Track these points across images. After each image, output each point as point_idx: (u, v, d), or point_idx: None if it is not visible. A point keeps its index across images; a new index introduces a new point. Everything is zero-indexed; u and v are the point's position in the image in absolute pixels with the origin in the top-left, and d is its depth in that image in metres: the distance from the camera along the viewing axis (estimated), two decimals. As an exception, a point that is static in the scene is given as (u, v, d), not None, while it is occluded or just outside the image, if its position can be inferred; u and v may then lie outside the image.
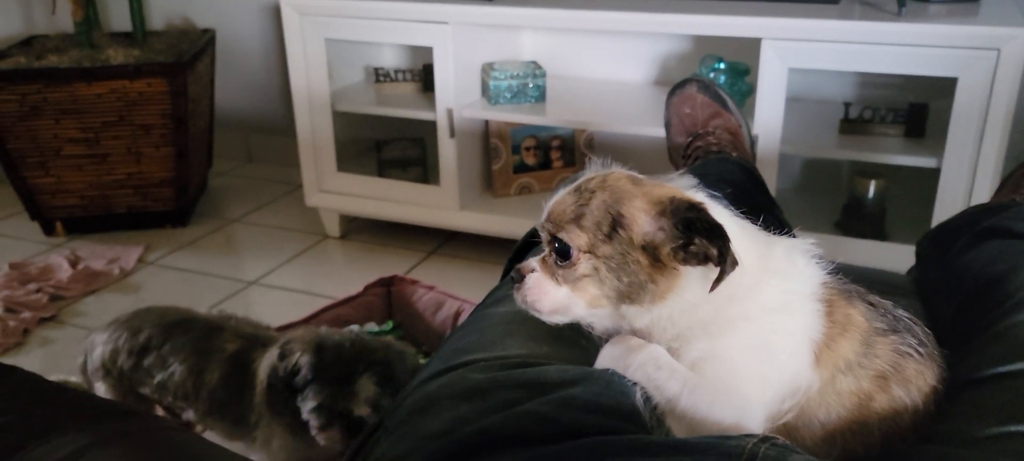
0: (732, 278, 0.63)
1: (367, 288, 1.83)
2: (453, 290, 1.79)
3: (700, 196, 0.69)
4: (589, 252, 0.67)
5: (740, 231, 0.68)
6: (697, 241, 0.64)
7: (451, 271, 2.16)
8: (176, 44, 2.54)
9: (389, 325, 1.75)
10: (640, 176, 0.71)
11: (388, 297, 1.86)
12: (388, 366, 1.21)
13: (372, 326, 1.73)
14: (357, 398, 1.18)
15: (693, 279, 0.66)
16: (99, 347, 1.36)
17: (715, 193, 0.72)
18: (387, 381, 1.20)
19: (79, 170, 2.34)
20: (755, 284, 0.67)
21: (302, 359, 1.19)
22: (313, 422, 1.20)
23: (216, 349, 1.29)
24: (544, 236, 0.71)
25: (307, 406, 1.19)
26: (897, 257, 1.62)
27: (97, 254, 2.25)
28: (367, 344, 1.23)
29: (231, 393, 1.26)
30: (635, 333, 0.70)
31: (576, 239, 0.67)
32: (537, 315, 0.71)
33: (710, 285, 0.64)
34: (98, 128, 2.30)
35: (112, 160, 2.35)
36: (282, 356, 1.22)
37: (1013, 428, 0.60)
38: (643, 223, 0.66)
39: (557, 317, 0.71)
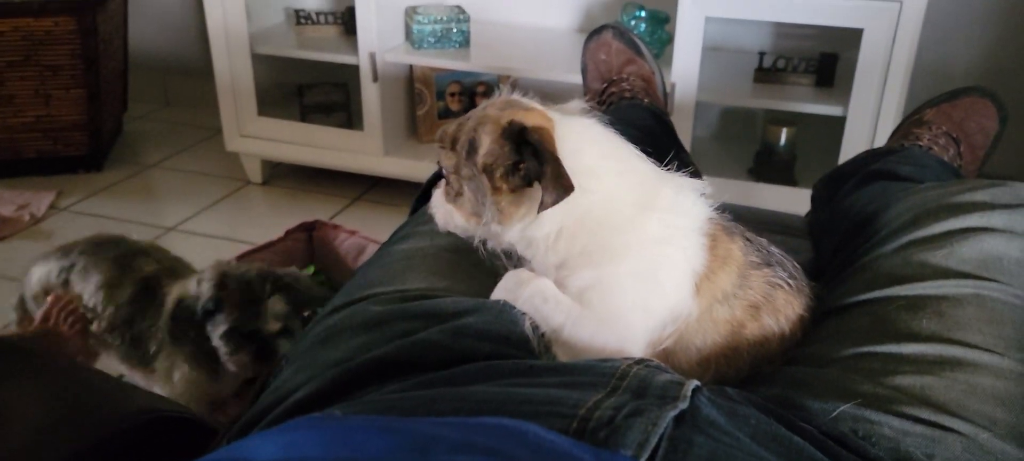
0: (608, 209, 0.67)
1: (288, 233, 1.82)
2: (377, 236, 1.80)
3: (579, 122, 0.72)
4: (455, 173, 0.73)
5: (622, 166, 0.71)
6: (525, 163, 0.67)
7: (376, 217, 2.16)
8: (85, -20, 2.42)
9: (311, 270, 1.75)
10: (530, 103, 0.73)
11: (310, 242, 1.85)
12: (295, 288, 1.26)
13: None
14: (265, 316, 1.21)
15: (536, 201, 0.67)
16: (36, 273, 1.36)
17: (612, 122, 0.75)
18: (295, 301, 1.25)
19: (-17, 112, 2.24)
20: (638, 217, 0.70)
21: (204, 287, 1.21)
22: (223, 348, 1.21)
23: (135, 268, 1.31)
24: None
25: (217, 331, 1.21)
26: (805, 202, 1.69)
27: (5, 200, 2.16)
28: (272, 270, 1.27)
29: (135, 311, 1.27)
30: (516, 254, 0.74)
31: (446, 160, 0.73)
32: (437, 226, 0.78)
33: (542, 207, 0.65)
34: (2, 68, 2.19)
35: (19, 102, 2.25)
36: (198, 283, 1.24)
37: (865, 349, 0.66)
38: (486, 146, 0.69)
39: (450, 228, 0.77)
